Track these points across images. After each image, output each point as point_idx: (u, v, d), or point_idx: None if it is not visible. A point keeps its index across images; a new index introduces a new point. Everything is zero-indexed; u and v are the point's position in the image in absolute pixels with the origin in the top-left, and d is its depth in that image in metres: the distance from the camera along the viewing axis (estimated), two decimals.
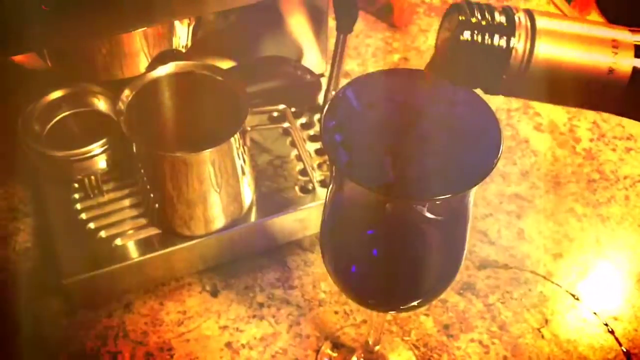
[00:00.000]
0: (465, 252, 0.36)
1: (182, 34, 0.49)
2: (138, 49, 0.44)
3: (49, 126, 0.54)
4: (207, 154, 0.49)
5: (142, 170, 0.51)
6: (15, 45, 0.38)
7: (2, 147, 0.65)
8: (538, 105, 0.71)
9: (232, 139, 0.49)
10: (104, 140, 0.52)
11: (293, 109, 0.63)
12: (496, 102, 0.71)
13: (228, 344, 0.53)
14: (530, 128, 0.69)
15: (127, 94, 0.49)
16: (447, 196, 0.30)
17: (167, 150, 0.49)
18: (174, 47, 0.49)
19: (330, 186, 0.34)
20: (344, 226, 0.35)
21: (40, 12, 0.37)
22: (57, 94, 0.55)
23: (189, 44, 0.48)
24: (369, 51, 0.76)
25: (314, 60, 0.65)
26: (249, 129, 0.51)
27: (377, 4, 0.79)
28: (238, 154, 0.51)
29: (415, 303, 0.38)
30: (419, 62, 0.74)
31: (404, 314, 0.55)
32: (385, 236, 0.33)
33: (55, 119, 0.55)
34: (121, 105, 0.49)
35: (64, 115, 0.55)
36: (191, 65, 0.52)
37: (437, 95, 0.35)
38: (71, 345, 0.52)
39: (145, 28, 0.43)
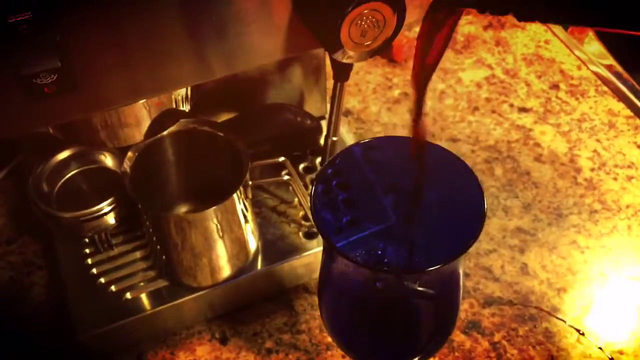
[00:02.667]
0: (457, 317, 0.37)
1: (183, 93, 0.51)
2: (144, 116, 0.46)
3: (58, 185, 0.56)
4: (211, 211, 0.50)
5: (149, 228, 0.53)
6: (18, 126, 0.40)
7: (16, 202, 0.67)
8: (539, 136, 0.72)
9: (234, 195, 0.51)
10: (111, 199, 0.53)
11: (295, 153, 0.64)
12: (496, 135, 0.72)
13: None
14: (530, 159, 0.70)
15: (130, 155, 0.51)
16: (434, 268, 0.31)
17: (171, 209, 0.50)
18: (176, 106, 0.50)
19: (322, 257, 0.35)
20: (337, 296, 0.36)
21: (43, 94, 0.38)
22: (65, 154, 0.56)
23: (191, 105, 0.50)
24: (370, 88, 0.77)
25: (314, 102, 0.67)
26: (250, 183, 0.53)
27: None
28: (241, 207, 0.53)
29: None
30: None
31: None
32: (377, 307, 0.34)
33: (64, 178, 0.56)
34: (126, 167, 0.51)
35: (73, 174, 0.57)
36: (192, 122, 0.53)
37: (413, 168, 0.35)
38: None
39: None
